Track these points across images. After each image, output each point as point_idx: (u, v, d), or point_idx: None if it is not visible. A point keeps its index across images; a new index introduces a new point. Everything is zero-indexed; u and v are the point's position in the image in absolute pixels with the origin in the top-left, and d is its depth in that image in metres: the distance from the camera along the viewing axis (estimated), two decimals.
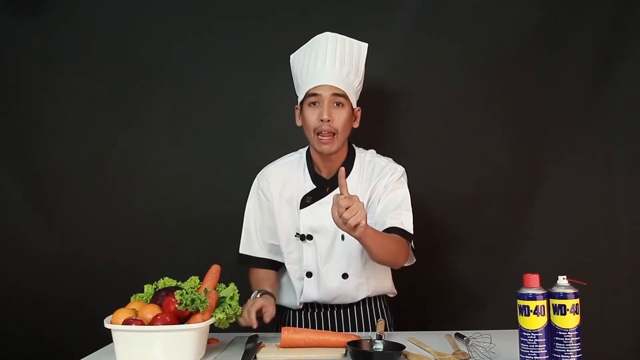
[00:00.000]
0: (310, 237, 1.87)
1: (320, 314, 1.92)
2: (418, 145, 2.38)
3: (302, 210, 1.88)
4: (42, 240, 2.45)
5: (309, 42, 1.88)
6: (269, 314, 1.74)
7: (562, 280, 1.37)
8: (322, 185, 1.89)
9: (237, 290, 1.62)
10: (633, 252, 2.34)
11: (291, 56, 1.94)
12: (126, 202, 2.45)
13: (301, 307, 1.94)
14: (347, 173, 1.87)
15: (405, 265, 1.87)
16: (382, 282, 1.95)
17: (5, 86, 2.46)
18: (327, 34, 1.85)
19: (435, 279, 2.41)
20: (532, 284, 1.36)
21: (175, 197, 2.44)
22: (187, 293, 1.50)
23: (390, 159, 1.96)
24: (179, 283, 1.63)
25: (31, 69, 2.45)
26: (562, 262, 2.26)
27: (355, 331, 1.89)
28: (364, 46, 1.90)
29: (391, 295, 2.03)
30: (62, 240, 2.45)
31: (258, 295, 1.82)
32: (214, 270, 1.68)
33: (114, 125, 2.45)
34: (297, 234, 1.88)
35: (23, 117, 2.46)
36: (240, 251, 1.97)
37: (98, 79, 2.44)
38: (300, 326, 1.93)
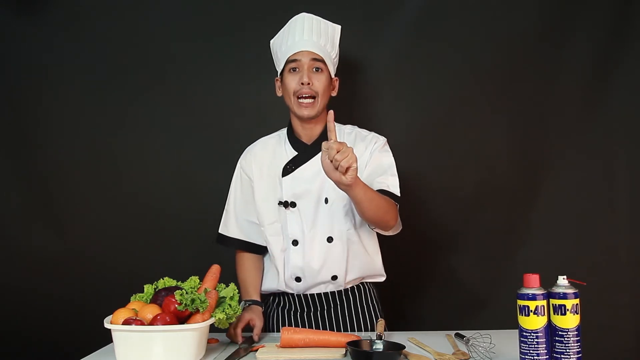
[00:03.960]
0: (293, 205, 1.87)
1: (310, 314, 1.91)
2: (418, 145, 2.38)
3: (284, 178, 1.89)
4: (42, 240, 2.45)
5: (286, 24, 1.94)
6: (258, 329, 1.77)
7: (562, 280, 1.37)
8: (304, 151, 1.91)
9: (237, 290, 1.62)
10: (633, 252, 2.34)
11: (271, 41, 1.99)
12: (126, 203, 2.45)
13: (285, 289, 1.90)
14: None
15: (392, 233, 1.87)
16: (369, 253, 1.92)
17: (6, 86, 2.46)
18: (303, 14, 1.92)
19: (435, 279, 2.41)
20: (532, 284, 1.36)
21: (176, 197, 2.44)
22: (187, 293, 1.50)
23: (372, 131, 1.98)
24: (179, 283, 1.63)
25: (31, 68, 2.45)
26: (562, 262, 2.27)
27: (348, 330, 1.89)
28: (337, 27, 1.97)
29: (381, 279, 1.98)
30: (62, 241, 2.45)
31: (245, 305, 1.85)
32: (214, 270, 1.68)
33: (114, 126, 2.46)
34: (280, 202, 1.89)
35: (24, 117, 2.46)
36: (219, 230, 2.01)
37: (98, 78, 2.45)
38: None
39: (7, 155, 2.46)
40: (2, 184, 2.45)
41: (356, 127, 1.99)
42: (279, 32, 1.96)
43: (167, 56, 2.43)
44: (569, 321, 1.34)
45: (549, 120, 2.36)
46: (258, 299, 1.92)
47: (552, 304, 1.35)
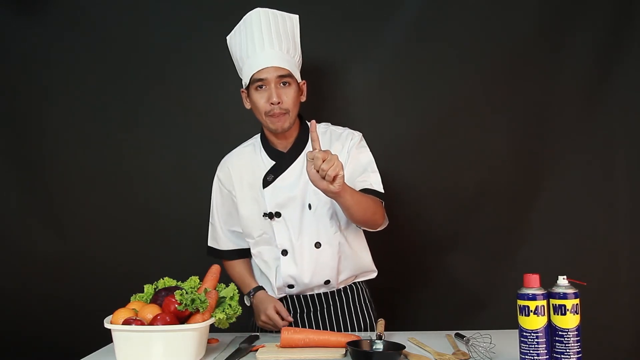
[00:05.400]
0: (278, 215, 1.85)
1: (303, 315, 1.91)
2: (418, 145, 2.37)
3: (265, 189, 1.87)
4: (42, 240, 2.45)
5: (241, 22, 1.86)
6: (284, 311, 1.85)
7: (562, 280, 1.37)
8: (281, 160, 1.88)
9: (237, 290, 1.62)
10: (633, 252, 2.34)
11: (227, 38, 1.92)
12: (126, 203, 2.45)
13: (278, 296, 1.91)
14: (303, 147, 1.88)
15: (379, 229, 1.86)
16: (358, 252, 1.92)
17: (6, 86, 2.46)
18: (258, 10, 1.84)
19: (435, 278, 2.41)
20: (532, 284, 1.36)
21: (176, 197, 2.44)
22: (187, 293, 1.50)
23: (346, 128, 1.95)
24: (179, 283, 1.64)
25: (32, 69, 2.45)
26: (562, 262, 2.27)
27: (341, 330, 1.89)
28: (295, 18, 1.89)
29: (373, 275, 1.98)
30: (63, 241, 2.45)
31: (252, 295, 1.89)
32: (214, 270, 1.68)
33: (114, 126, 2.46)
34: (265, 214, 1.87)
35: (24, 118, 2.46)
36: (208, 244, 2.02)
37: (98, 79, 2.45)
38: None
39: (7, 155, 2.46)
40: (2, 184, 2.45)
41: (330, 124, 1.96)
42: (234, 30, 1.89)
43: (167, 56, 2.43)
44: (569, 321, 1.33)
45: (549, 120, 2.36)
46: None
47: (552, 304, 1.35)
